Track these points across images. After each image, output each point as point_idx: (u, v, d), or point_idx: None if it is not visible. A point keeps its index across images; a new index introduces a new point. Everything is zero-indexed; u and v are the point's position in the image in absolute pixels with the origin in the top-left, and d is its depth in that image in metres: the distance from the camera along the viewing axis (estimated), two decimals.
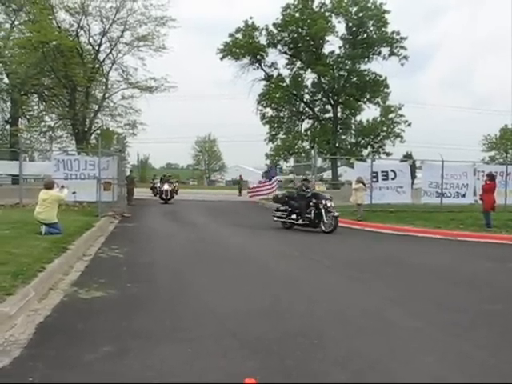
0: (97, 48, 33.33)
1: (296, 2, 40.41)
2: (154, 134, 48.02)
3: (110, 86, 34.49)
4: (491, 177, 18.94)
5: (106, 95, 34.33)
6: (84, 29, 32.50)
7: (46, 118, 35.80)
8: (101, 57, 33.74)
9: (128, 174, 32.28)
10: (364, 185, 21.75)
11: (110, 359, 5.15)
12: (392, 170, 24.77)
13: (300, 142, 43.15)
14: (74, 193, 17.40)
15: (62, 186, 14.30)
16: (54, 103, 34.69)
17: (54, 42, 29.82)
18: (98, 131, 34.89)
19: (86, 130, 33.42)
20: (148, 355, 5.29)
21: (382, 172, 24.54)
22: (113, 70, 34.10)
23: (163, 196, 32.93)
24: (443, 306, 7.78)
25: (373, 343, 5.91)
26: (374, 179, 23.84)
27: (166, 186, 33.24)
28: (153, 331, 6.12)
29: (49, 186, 13.53)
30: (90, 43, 33.37)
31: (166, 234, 16.72)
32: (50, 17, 30.83)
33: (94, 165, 21.68)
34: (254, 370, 4.83)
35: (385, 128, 42.11)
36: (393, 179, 24.46)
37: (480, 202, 18.95)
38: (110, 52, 33.32)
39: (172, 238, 15.95)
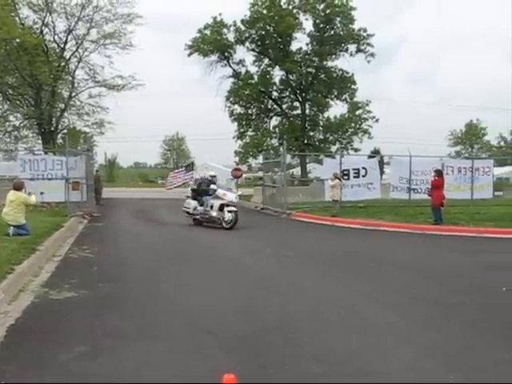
0: (62, 46, 32.82)
1: None
2: (121, 133, 47.57)
3: (76, 85, 34.03)
4: (439, 173, 18.84)
5: (73, 94, 33.85)
6: (49, 26, 31.99)
7: (11, 118, 35.06)
8: (66, 55, 33.23)
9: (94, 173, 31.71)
10: (340, 180, 21.91)
11: (85, 359, 5.10)
12: (363, 167, 24.84)
13: (268, 139, 43.09)
14: (41, 193, 17.12)
15: (30, 193, 14.00)
16: (18, 102, 33.96)
17: (18, 40, 29.22)
18: (65, 131, 34.40)
19: (52, 129, 32.91)
20: (122, 354, 5.26)
21: (354, 169, 24.59)
22: (79, 68, 33.64)
23: (223, 224, 17.36)
24: (415, 299, 7.90)
25: (348, 337, 5.98)
26: (346, 177, 23.88)
27: (229, 194, 17.97)
28: (126, 330, 6.08)
29: (17, 187, 13.28)
30: (55, 41, 32.84)
31: (136, 233, 16.62)
32: (13, 13, 30.16)
33: (62, 164, 21.30)
34: (230, 366, 4.82)
35: (352, 124, 42.31)
36: (364, 176, 24.55)
37: (429, 197, 18.62)
38: (76, 50, 32.83)
39: (142, 236, 15.87)
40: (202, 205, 18.34)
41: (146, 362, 5.06)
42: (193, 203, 18.74)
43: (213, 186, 18.19)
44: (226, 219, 17.25)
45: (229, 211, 17.28)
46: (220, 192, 17.88)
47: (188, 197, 19.45)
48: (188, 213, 18.87)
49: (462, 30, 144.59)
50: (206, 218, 18.12)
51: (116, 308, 7.11)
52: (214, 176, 19.70)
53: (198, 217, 18.49)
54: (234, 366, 4.87)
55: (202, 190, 18.81)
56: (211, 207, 17.80)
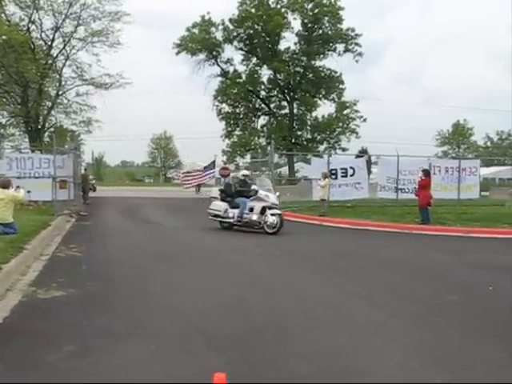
0: (49, 43, 32.74)
1: None
2: (108, 132, 47.54)
3: (63, 83, 33.95)
4: (426, 172, 18.95)
5: (60, 92, 33.72)
6: (35, 23, 31.95)
7: None
8: (54, 53, 33.17)
9: (83, 171, 31.53)
10: (328, 178, 21.93)
11: (74, 358, 5.07)
12: (351, 167, 24.93)
13: (256, 138, 43.34)
14: (28, 192, 17.01)
15: (18, 187, 13.90)
16: (5, 100, 33.75)
17: (4, 37, 29.03)
18: (52, 129, 34.23)
19: (39, 127, 32.79)
20: (112, 353, 5.23)
21: (342, 169, 24.67)
22: (66, 66, 33.60)
23: (265, 228, 15.89)
24: (403, 297, 7.93)
25: (336, 336, 5.99)
26: (333, 176, 23.93)
27: (271, 196, 16.50)
28: (115, 329, 6.05)
29: (5, 185, 13.18)
30: (42, 38, 32.76)
31: (124, 232, 16.55)
32: None
33: (49, 163, 21.19)
34: (220, 365, 4.82)
35: (340, 124, 42.59)
36: (351, 176, 24.64)
37: (416, 197, 18.69)
38: (64, 48, 32.77)
39: (130, 235, 15.80)
40: (234, 207, 16.46)
41: (136, 361, 5.04)
42: (223, 205, 16.65)
43: (254, 187, 16.45)
44: (268, 223, 15.72)
45: (272, 214, 15.78)
46: (262, 193, 16.20)
47: (214, 198, 17.38)
48: (216, 215, 16.86)
49: (447, 31, 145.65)
50: (243, 222, 16.26)
51: (105, 307, 7.07)
52: (247, 175, 17.94)
53: (230, 220, 16.50)
54: (224, 364, 4.88)
55: (234, 191, 17.04)
56: (251, 210, 16.08)
